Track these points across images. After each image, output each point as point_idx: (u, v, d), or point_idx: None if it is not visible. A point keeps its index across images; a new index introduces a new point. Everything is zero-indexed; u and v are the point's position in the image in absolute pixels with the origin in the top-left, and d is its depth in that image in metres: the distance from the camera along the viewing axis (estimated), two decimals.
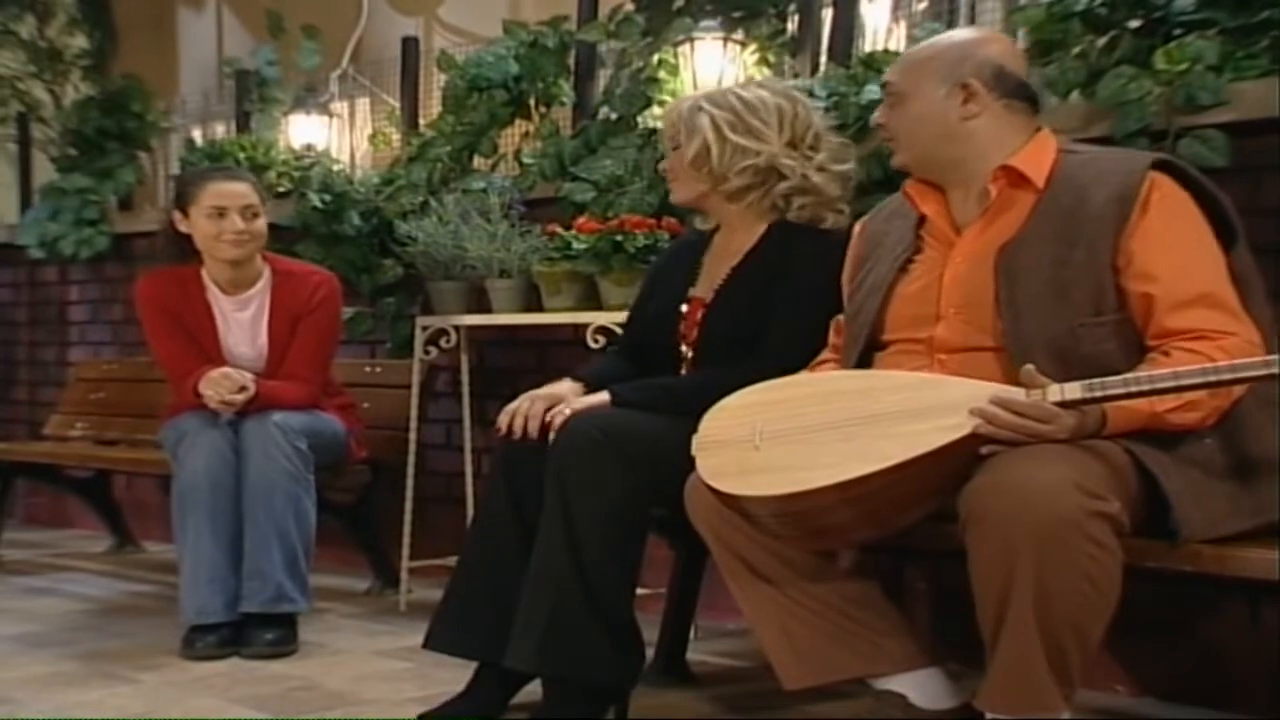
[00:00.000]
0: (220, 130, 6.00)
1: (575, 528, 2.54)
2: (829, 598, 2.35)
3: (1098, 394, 2.02)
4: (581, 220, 3.56)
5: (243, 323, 3.55)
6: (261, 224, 3.50)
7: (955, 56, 2.36)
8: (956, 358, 2.30)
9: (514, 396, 4.17)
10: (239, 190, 3.47)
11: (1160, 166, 2.25)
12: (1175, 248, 2.20)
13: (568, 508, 2.55)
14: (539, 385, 4.07)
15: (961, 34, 2.50)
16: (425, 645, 2.77)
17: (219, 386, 3.35)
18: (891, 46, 4.01)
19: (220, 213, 3.44)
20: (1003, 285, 2.25)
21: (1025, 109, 2.37)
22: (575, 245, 3.47)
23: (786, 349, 2.67)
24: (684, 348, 2.86)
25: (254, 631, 3.26)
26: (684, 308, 2.88)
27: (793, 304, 2.74)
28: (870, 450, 2.07)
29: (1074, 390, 2.02)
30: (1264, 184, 2.80)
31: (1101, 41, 3.07)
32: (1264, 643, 2.74)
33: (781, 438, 2.17)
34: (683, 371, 2.86)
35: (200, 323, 3.52)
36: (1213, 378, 1.97)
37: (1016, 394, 2.05)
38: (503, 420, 2.77)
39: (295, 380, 3.48)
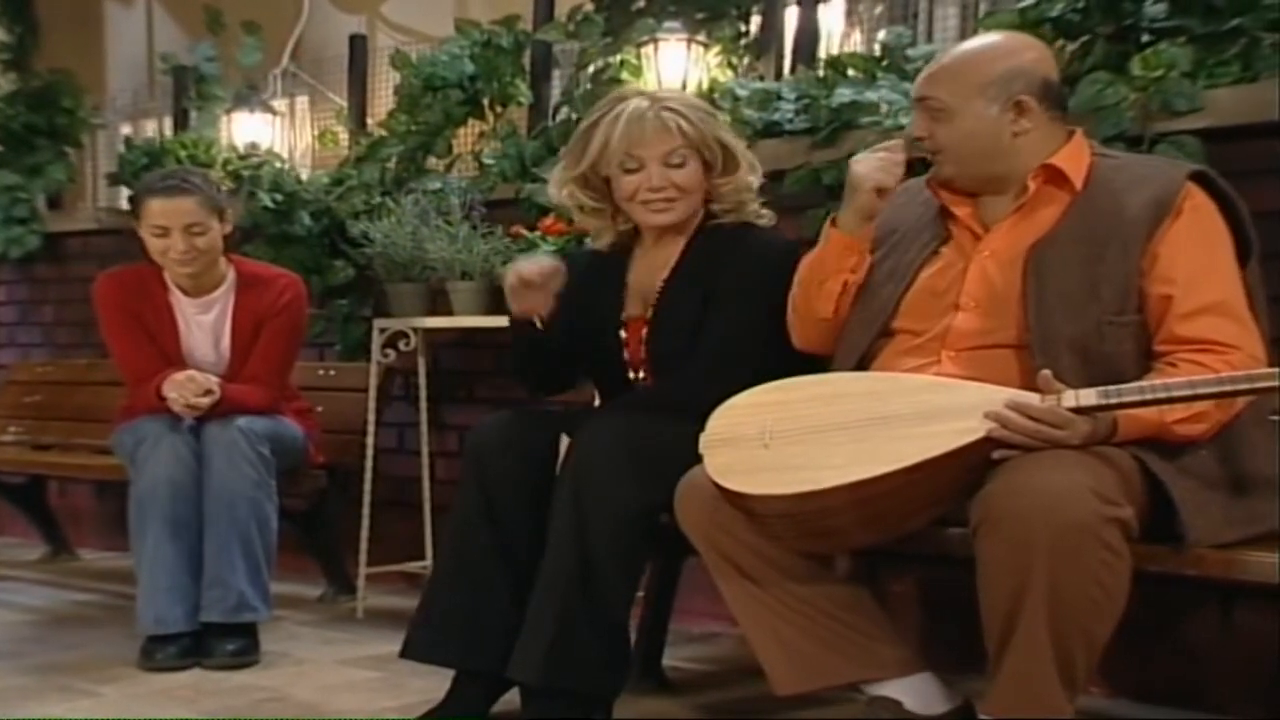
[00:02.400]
0: (150, 127, 5.88)
1: (588, 542, 2.51)
2: (821, 603, 2.34)
3: (1113, 401, 2.03)
4: (548, 221, 3.52)
5: (204, 325, 3.46)
6: (209, 239, 3.37)
7: (1005, 72, 2.31)
8: (967, 354, 2.30)
9: (470, 399, 4.18)
10: (182, 208, 3.33)
11: (1196, 177, 2.28)
12: (1197, 256, 2.22)
13: (581, 521, 2.52)
14: (496, 388, 4.07)
15: (999, 42, 2.42)
16: (403, 654, 2.72)
17: (184, 389, 3.25)
18: (848, 50, 4.01)
19: (163, 232, 3.33)
20: (1032, 282, 2.25)
21: (1063, 116, 2.38)
22: (543, 247, 3.43)
23: (733, 346, 2.65)
24: (631, 371, 2.81)
25: (215, 642, 3.17)
26: (623, 333, 2.81)
27: (737, 301, 2.69)
28: (883, 451, 2.06)
29: (1089, 396, 2.03)
30: (1237, 189, 2.82)
31: (1072, 47, 3.10)
32: (1237, 645, 2.78)
33: (791, 437, 2.15)
34: None
35: (161, 324, 3.42)
36: (1229, 387, 2.00)
37: (1031, 399, 2.05)
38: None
39: (257, 384, 3.39)
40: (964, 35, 3.96)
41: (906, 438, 2.06)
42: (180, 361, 3.41)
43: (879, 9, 4.15)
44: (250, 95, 5.00)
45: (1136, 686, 2.89)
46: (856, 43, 4.16)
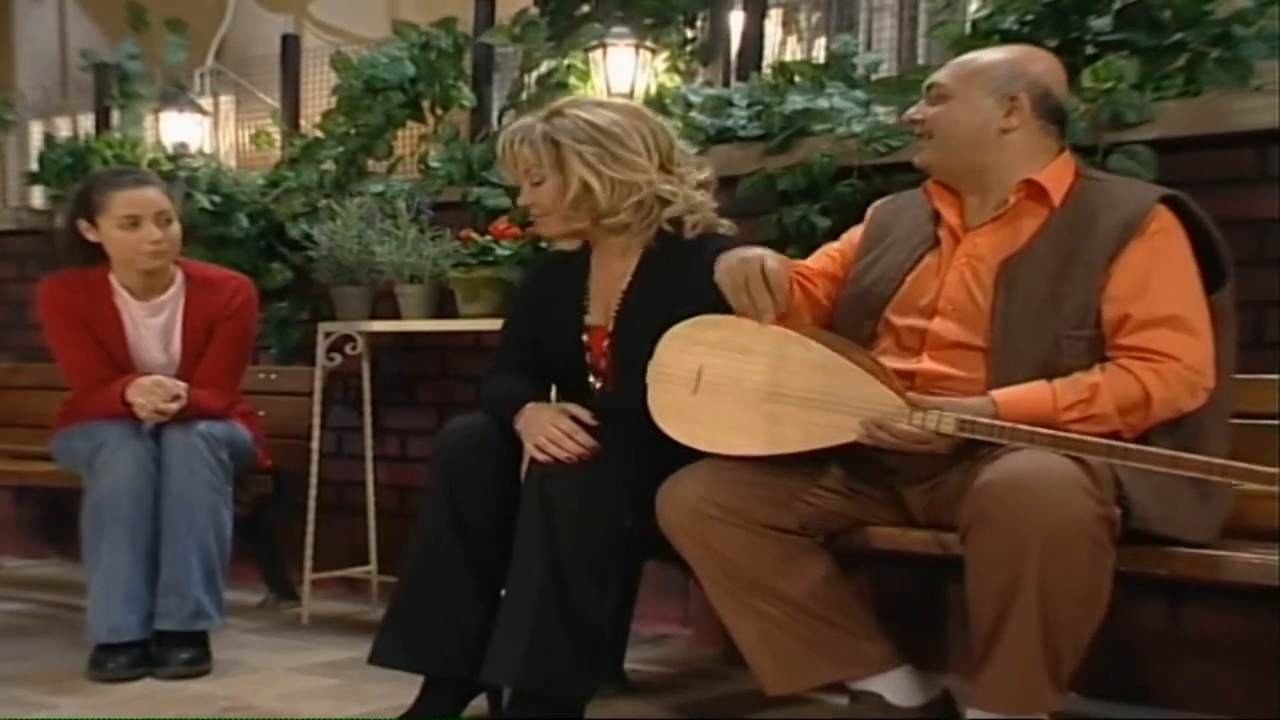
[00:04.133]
0: (63, 125, 5.75)
1: (557, 546, 2.51)
2: (805, 605, 2.40)
3: (966, 433, 2.21)
4: (501, 226, 3.52)
5: (154, 329, 3.39)
6: (176, 229, 3.33)
7: (1010, 71, 2.43)
8: (946, 353, 2.40)
9: (411, 403, 4.15)
10: (150, 197, 3.30)
11: (1168, 201, 2.35)
12: (1148, 274, 2.30)
13: (550, 525, 2.52)
14: (438, 391, 4.06)
15: (1015, 50, 2.56)
16: (372, 660, 2.70)
17: (152, 395, 3.20)
18: (785, 57, 4.07)
19: (134, 222, 3.27)
20: (1001, 297, 2.34)
21: (1056, 132, 2.45)
22: (499, 251, 3.43)
23: None
24: (593, 378, 2.81)
25: (168, 650, 3.11)
26: (585, 337, 2.82)
27: (696, 309, 2.63)
28: (776, 433, 2.38)
29: (949, 425, 2.22)
30: None
31: None
32: (1182, 640, 2.87)
33: (718, 389, 2.43)
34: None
35: (108, 328, 3.35)
36: (1062, 449, 2.13)
37: (899, 418, 2.25)
38: (551, 452, 2.56)
39: (211, 388, 3.34)
40: (901, 45, 4.05)
41: (797, 423, 2.36)
42: (128, 365, 3.35)
43: (816, 17, 4.21)
44: (179, 94, 4.92)
45: (1086, 682, 2.96)
46: (793, 50, 4.23)
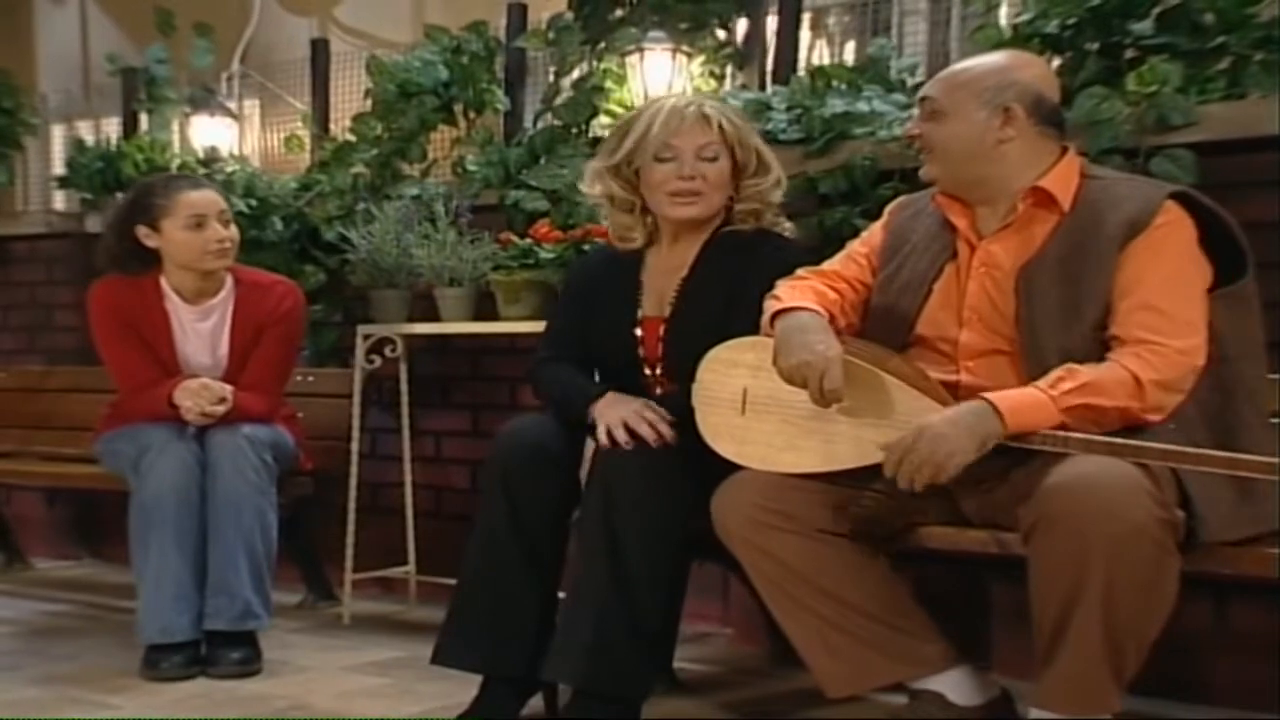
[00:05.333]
0: (85, 129, 5.77)
1: (619, 545, 2.55)
2: (863, 606, 2.42)
3: (1015, 444, 2.24)
4: (543, 229, 3.54)
5: (202, 332, 3.42)
6: (235, 229, 3.39)
7: (999, 81, 2.42)
8: (979, 361, 2.43)
9: (446, 405, 4.18)
10: (211, 198, 3.36)
11: (1176, 197, 2.36)
12: (1148, 266, 2.31)
13: (610, 525, 2.55)
14: (472, 393, 4.08)
15: (1003, 57, 2.54)
16: (435, 660, 2.74)
17: (199, 397, 3.23)
18: (816, 61, 4.10)
19: (199, 222, 3.32)
20: (1023, 304, 2.37)
21: (1056, 134, 2.46)
22: (542, 254, 3.45)
23: None
24: (648, 369, 2.83)
25: (219, 650, 3.15)
26: (638, 330, 2.84)
27: (760, 307, 2.66)
28: (829, 450, 2.43)
29: None
30: (1228, 202, 2.92)
31: (1058, 62, 3.20)
32: (1230, 638, 2.89)
33: (765, 408, 2.49)
34: (657, 390, 2.82)
35: (157, 331, 3.38)
36: (1123, 456, 2.16)
37: None
38: (633, 425, 2.60)
39: (258, 391, 3.37)
40: (934, 48, 4.08)
41: (848, 439, 2.40)
42: (175, 368, 3.38)
43: (847, 19, 4.24)
44: (209, 98, 4.94)
45: (1132, 679, 2.99)
46: (822, 54, 4.25)
